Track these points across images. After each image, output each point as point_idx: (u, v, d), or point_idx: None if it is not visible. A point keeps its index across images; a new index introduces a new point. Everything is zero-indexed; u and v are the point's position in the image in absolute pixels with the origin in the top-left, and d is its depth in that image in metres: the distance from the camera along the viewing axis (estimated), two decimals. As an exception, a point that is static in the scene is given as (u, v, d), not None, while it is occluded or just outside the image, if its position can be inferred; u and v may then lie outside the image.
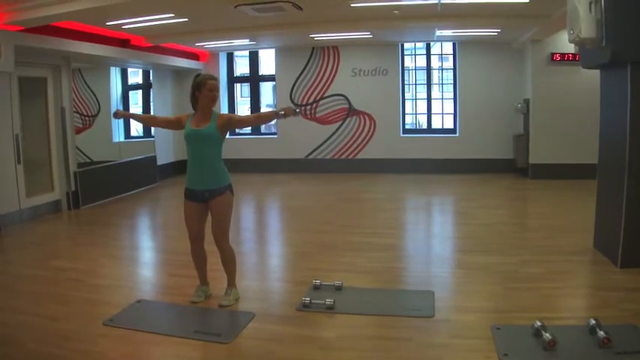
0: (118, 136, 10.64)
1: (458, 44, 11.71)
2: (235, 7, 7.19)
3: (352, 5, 7.50)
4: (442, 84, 12.35)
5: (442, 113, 12.25)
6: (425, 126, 12.43)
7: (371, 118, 12.12)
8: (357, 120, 12.20)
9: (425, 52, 12.24)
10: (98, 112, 9.95)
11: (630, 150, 5.02)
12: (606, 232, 5.51)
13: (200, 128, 4.35)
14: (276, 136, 12.76)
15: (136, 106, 11.62)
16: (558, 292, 4.69)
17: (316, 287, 4.78)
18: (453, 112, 12.07)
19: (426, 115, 12.36)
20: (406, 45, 12.19)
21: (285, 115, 4.38)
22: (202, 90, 4.33)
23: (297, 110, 4.40)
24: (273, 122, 12.76)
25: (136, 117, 5.22)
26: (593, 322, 3.68)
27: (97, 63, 9.70)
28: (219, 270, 4.62)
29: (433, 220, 8.40)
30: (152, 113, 11.49)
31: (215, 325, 4.17)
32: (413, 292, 4.77)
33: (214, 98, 4.38)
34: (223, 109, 12.44)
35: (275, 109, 4.41)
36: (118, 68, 10.59)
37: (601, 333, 3.54)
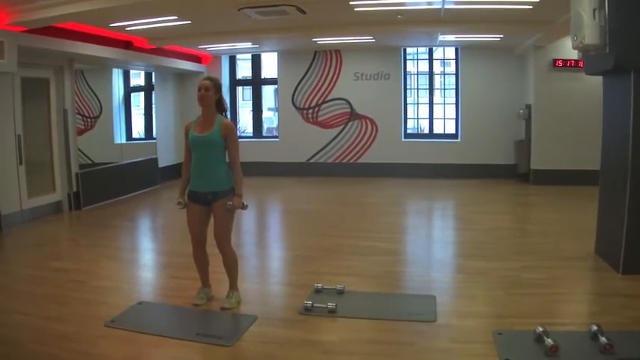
0: (120, 137, 10.65)
1: (460, 49, 11.72)
2: (239, 10, 7.20)
3: (356, 9, 7.50)
4: (444, 89, 12.35)
5: (444, 118, 12.26)
6: (427, 131, 12.44)
7: (373, 122, 12.13)
8: (359, 124, 12.21)
9: (427, 57, 12.27)
10: (100, 113, 9.96)
11: (632, 156, 5.02)
12: (608, 238, 5.51)
13: (204, 134, 4.35)
14: (277, 139, 12.77)
15: (137, 108, 11.64)
16: (560, 297, 4.69)
17: (318, 291, 4.77)
18: (454, 117, 12.08)
19: (427, 120, 12.37)
20: (408, 49, 12.22)
21: (232, 206, 4.36)
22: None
23: (246, 205, 4.43)
24: (275, 124, 12.85)
25: (185, 183, 4.78)
26: (595, 328, 3.68)
27: (99, 64, 9.71)
28: (221, 273, 4.62)
29: (434, 225, 8.39)
30: (154, 115, 11.54)
31: (217, 327, 4.16)
32: (415, 296, 4.76)
33: (200, 97, 4.34)
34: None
35: (237, 193, 4.41)
36: (120, 70, 10.61)
37: (603, 339, 3.53)
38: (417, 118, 12.59)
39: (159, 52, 10.49)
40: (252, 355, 3.73)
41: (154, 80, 11.57)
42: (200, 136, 4.35)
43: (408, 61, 12.31)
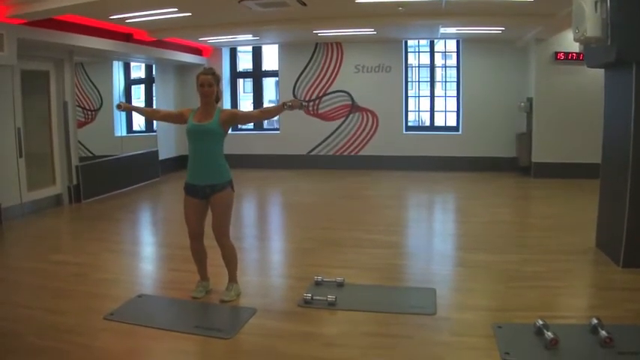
0: (120, 130, 10.63)
1: (462, 42, 11.67)
2: (239, 1, 7.18)
3: (357, 1, 7.47)
4: (445, 81, 12.31)
5: (445, 111, 12.23)
6: (428, 123, 12.42)
7: (374, 114, 12.10)
8: (360, 117, 12.18)
9: (428, 50, 12.22)
10: (100, 106, 9.94)
11: (633, 149, 5.00)
12: (609, 231, 5.50)
13: (202, 123, 4.33)
14: (278, 132, 12.75)
15: (138, 101, 11.61)
16: (560, 291, 4.68)
17: (318, 283, 4.78)
18: (456, 109, 12.05)
19: (429, 113, 12.34)
20: (410, 42, 12.18)
21: (291, 107, 4.35)
22: (197, 85, 4.36)
23: (305, 103, 4.37)
24: (276, 118, 12.82)
25: (139, 110, 5.12)
26: (595, 321, 3.67)
27: (99, 57, 9.68)
28: (220, 265, 4.61)
29: (435, 218, 8.39)
30: (155, 108, 11.50)
31: (216, 320, 4.17)
32: (415, 289, 4.76)
33: (204, 93, 4.35)
34: (226, 104, 12.42)
35: (282, 102, 4.40)
36: (120, 62, 10.58)
37: (603, 332, 3.53)
38: (418, 111, 12.55)
39: (159, 44, 10.45)
40: (252, 347, 3.73)
41: (154, 73, 11.54)
42: (199, 124, 4.34)
43: (409, 54, 12.27)
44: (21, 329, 3.93)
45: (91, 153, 9.46)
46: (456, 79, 11.99)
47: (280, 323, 4.06)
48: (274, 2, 7.27)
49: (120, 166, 10.09)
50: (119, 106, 4.71)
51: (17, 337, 3.79)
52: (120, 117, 10.51)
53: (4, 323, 4.05)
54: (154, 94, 11.57)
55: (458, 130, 11.97)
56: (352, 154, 12.31)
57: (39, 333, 3.86)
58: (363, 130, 12.19)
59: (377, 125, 12.12)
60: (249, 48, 13.03)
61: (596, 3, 4.73)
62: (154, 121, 11.44)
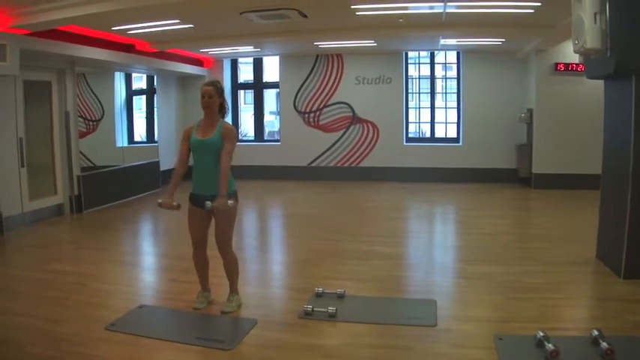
0: (122, 141, 10.65)
1: (462, 53, 11.72)
2: (240, 13, 7.21)
3: (357, 13, 7.51)
4: (446, 93, 12.35)
5: (445, 122, 12.26)
6: (428, 135, 12.44)
7: (374, 126, 12.13)
8: (361, 128, 12.21)
9: (429, 61, 12.27)
10: (102, 116, 9.97)
11: (634, 160, 5.01)
12: (609, 242, 5.50)
13: (205, 138, 4.36)
14: (279, 143, 12.78)
15: (139, 112, 11.64)
16: (561, 302, 4.68)
17: (318, 295, 4.77)
18: (456, 121, 12.08)
19: (429, 124, 12.37)
20: (410, 53, 12.23)
21: (211, 205, 4.22)
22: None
23: (231, 202, 4.29)
24: (277, 129, 12.87)
25: (174, 185, 4.72)
26: (596, 333, 3.67)
27: (101, 68, 9.72)
28: (222, 276, 4.61)
29: (435, 229, 8.38)
30: (156, 119, 11.54)
31: (217, 331, 4.16)
32: (415, 300, 4.75)
33: (203, 104, 4.36)
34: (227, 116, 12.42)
35: (221, 193, 4.23)
36: (122, 73, 10.61)
37: (604, 344, 3.52)
38: (419, 122, 12.58)
39: (161, 55, 10.50)
40: (252, 358, 3.72)
41: (155, 83, 11.58)
42: (202, 139, 4.37)
43: (409, 65, 12.33)
44: (21, 338, 3.93)
45: (93, 163, 9.48)
46: (456, 91, 12.02)
47: (281, 334, 4.06)
48: (275, 14, 7.30)
49: (121, 176, 10.12)
50: (162, 205, 4.57)
51: (17, 347, 3.79)
52: (121, 127, 10.54)
53: (5, 332, 4.05)
54: (155, 106, 11.61)
55: (458, 142, 11.99)
56: (353, 165, 12.32)
57: (39, 342, 3.86)
58: (364, 141, 12.21)
59: (377, 137, 12.14)
60: (250, 59, 13.10)
61: (595, 14, 4.76)
62: (156, 132, 11.51)
